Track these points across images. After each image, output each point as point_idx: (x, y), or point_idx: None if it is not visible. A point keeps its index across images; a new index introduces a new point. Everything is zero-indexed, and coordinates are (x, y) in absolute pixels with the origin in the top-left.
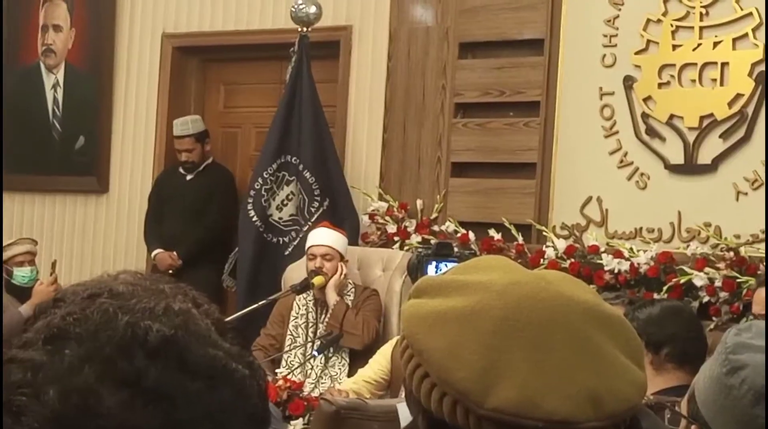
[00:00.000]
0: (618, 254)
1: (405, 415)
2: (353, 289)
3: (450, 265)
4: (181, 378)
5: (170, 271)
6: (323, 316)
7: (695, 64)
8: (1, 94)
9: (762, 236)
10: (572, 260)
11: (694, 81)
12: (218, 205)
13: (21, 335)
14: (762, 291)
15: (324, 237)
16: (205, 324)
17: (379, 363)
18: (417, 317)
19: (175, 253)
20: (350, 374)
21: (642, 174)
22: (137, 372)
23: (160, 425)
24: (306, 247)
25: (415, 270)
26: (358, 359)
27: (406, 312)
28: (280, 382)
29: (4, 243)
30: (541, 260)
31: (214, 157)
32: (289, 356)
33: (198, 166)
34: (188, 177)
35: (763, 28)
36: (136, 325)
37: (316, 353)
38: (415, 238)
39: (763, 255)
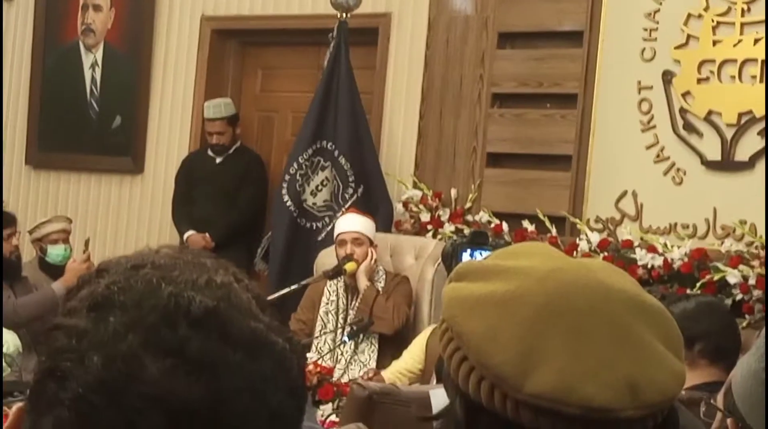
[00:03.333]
0: (652, 249)
1: (438, 401)
2: (384, 276)
3: (485, 253)
4: (223, 348)
5: None
6: (354, 302)
7: (735, 60)
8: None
9: None
10: (605, 254)
11: (733, 77)
12: (250, 188)
13: (65, 303)
14: None
15: (352, 223)
16: (246, 297)
17: (413, 353)
18: (457, 300)
19: (207, 235)
20: (379, 360)
21: (678, 169)
22: (180, 341)
23: (201, 394)
24: (335, 234)
25: (450, 258)
26: (387, 346)
27: (446, 295)
28: (311, 367)
29: (40, 220)
30: (575, 253)
31: (242, 141)
32: (319, 342)
33: (228, 149)
34: (218, 160)
35: None
36: (180, 295)
37: (346, 339)
38: (449, 228)
39: None
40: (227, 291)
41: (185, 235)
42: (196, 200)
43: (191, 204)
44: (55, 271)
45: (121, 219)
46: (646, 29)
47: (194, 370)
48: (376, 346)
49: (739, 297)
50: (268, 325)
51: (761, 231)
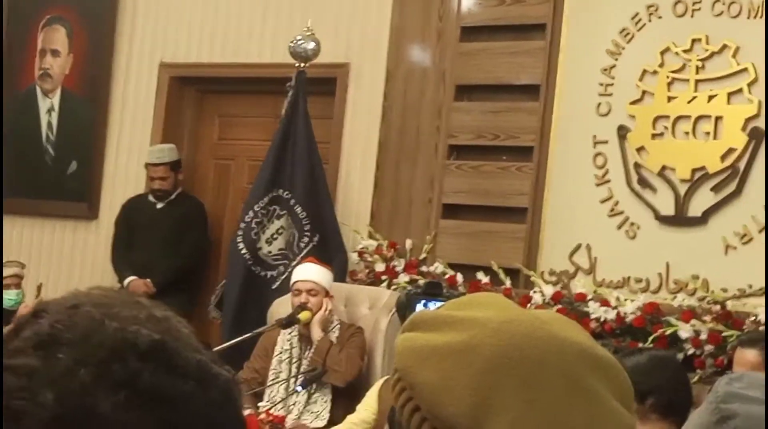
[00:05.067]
0: (605, 303)
1: None
2: (339, 326)
3: (439, 304)
4: (173, 379)
5: None
6: (307, 351)
7: (689, 116)
8: (0, 116)
9: (749, 291)
10: (559, 307)
11: (687, 133)
12: (192, 234)
13: (7, 346)
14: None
15: (309, 272)
16: (186, 331)
17: (367, 404)
18: (410, 350)
19: (149, 280)
20: (332, 411)
21: (632, 224)
22: (132, 374)
23: (156, 425)
24: (291, 282)
25: (404, 308)
26: (340, 396)
27: (399, 345)
28: (263, 416)
29: None
30: (528, 305)
31: (192, 188)
32: (271, 391)
33: (169, 194)
34: (159, 205)
35: (758, 84)
36: (125, 330)
37: (299, 388)
38: (403, 278)
39: (751, 310)
40: (168, 325)
41: (126, 281)
42: (136, 245)
43: (131, 249)
44: (6, 315)
45: (74, 265)
46: (601, 84)
47: (148, 402)
48: (330, 396)
49: (690, 351)
50: (209, 357)
51: (713, 286)
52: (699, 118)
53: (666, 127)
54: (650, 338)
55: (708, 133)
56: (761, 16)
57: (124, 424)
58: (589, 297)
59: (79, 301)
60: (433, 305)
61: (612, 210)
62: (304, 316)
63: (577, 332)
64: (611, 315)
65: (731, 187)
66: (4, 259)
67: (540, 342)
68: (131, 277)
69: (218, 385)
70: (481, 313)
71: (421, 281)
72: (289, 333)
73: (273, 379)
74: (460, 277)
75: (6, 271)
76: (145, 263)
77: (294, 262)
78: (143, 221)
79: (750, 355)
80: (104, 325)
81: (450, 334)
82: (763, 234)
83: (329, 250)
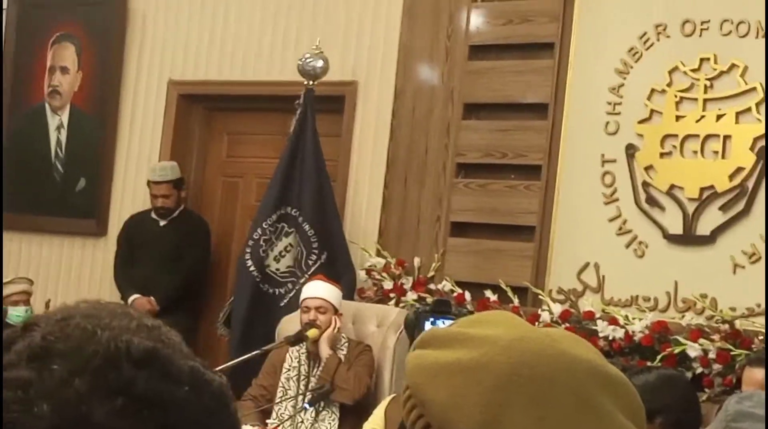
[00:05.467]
0: (613, 321)
1: None
2: (347, 344)
3: (447, 322)
4: (168, 385)
5: None
6: (315, 369)
7: (698, 135)
8: (0, 134)
9: (758, 310)
10: (567, 325)
11: (695, 152)
12: (195, 252)
13: None
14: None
15: (318, 290)
16: (177, 339)
17: (374, 423)
18: (421, 368)
19: (152, 298)
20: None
21: (640, 242)
22: (126, 381)
23: None
24: (300, 300)
25: (413, 326)
26: (348, 414)
27: (410, 362)
28: None
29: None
30: (536, 324)
31: (199, 206)
32: (279, 408)
33: (172, 212)
34: (162, 223)
35: (765, 103)
36: (118, 339)
37: (307, 406)
38: (411, 296)
39: (759, 329)
40: (159, 333)
41: (130, 299)
42: (138, 262)
43: (133, 266)
44: None
45: (83, 281)
46: (610, 103)
47: (144, 408)
48: (337, 414)
49: (699, 370)
50: (201, 363)
51: (722, 305)
52: (707, 137)
53: (674, 146)
54: (658, 357)
55: (716, 153)
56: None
57: None
58: (597, 315)
59: (69, 314)
60: (441, 323)
61: (620, 228)
62: (312, 333)
63: (587, 350)
64: (619, 333)
65: (739, 206)
66: (12, 276)
67: (550, 360)
68: (135, 295)
69: (212, 390)
70: (491, 330)
71: (430, 299)
72: (298, 350)
73: (281, 397)
74: (468, 295)
75: (14, 288)
76: (146, 280)
77: (302, 280)
78: (146, 239)
79: (758, 374)
80: (96, 335)
81: (460, 352)
82: None
83: (337, 267)
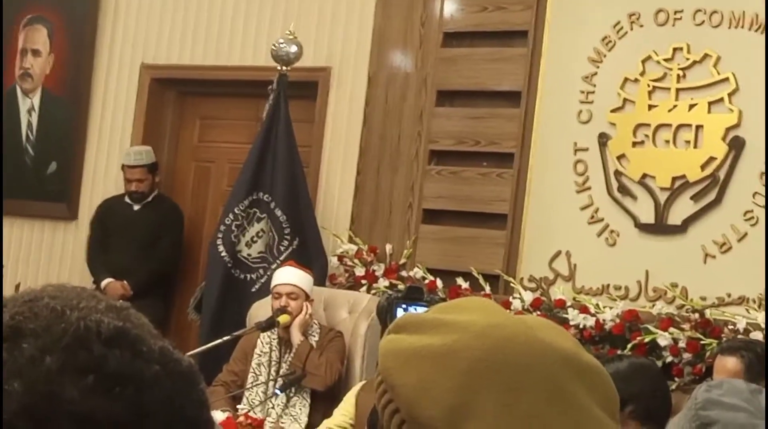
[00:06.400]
0: (584, 309)
1: None
2: (318, 330)
3: (420, 309)
4: (138, 363)
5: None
6: (287, 355)
7: (670, 125)
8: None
9: (728, 300)
10: (538, 313)
11: (668, 142)
12: (169, 237)
13: None
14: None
15: (290, 276)
16: (145, 320)
17: (343, 409)
18: (393, 352)
19: (125, 282)
20: (311, 415)
21: (612, 231)
22: (97, 359)
23: (125, 409)
24: (271, 286)
25: (385, 312)
26: (319, 400)
27: (383, 347)
28: (241, 419)
29: None
30: (508, 312)
31: (166, 190)
32: (250, 394)
33: (146, 196)
34: (135, 207)
35: (738, 94)
36: (87, 318)
37: (278, 392)
38: (383, 283)
39: (729, 318)
40: (128, 313)
41: (103, 283)
42: (112, 247)
43: (107, 251)
44: None
45: (53, 265)
46: (583, 92)
47: (115, 386)
48: (308, 400)
49: (669, 359)
50: (170, 344)
51: (692, 294)
52: (679, 126)
53: (647, 136)
54: (629, 346)
55: (688, 142)
56: (742, 26)
57: (92, 409)
58: (568, 304)
59: (37, 296)
60: (414, 310)
61: (592, 217)
62: (283, 319)
63: (563, 338)
64: (590, 322)
65: (711, 195)
66: None
67: (523, 347)
68: (108, 280)
69: (181, 369)
70: (466, 316)
71: (401, 286)
72: (269, 336)
73: (252, 382)
74: (439, 283)
75: None
76: (120, 265)
77: (274, 265)
78: (119, 223)
79: (730, 362)
80: (66, 315)
81: (434, 337)
82: (743, 243)
83: (309, 253)
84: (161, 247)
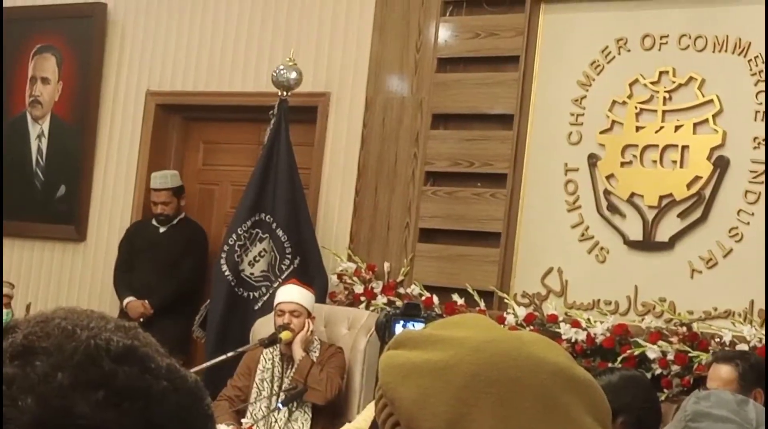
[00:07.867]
0: (576, 324)
1: None
2: (319, 346)
3: (417, 325)
4: (147, 380)
5: (141, 320)
6: (288, 370)
7: (657, 145)
8: (1, 139)
9: (714, 313)
10: (531, 328)
11: (655, 162)
12: (192, 258)
13: None
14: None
15: (292, 294)
16: (153, 339)
17: (366, 416)
18: (392, 367)
19: (147, 302)
20: (312, 428)
21: (602, 248)
22: (107, 375)
23: (134, 423)
24: (275, 303)
25: (383, 328)
26: (320, 414)
27: (383, 362)
28: None
29: None
30: (502, 327)
31: (186, 213)
32: (253, 408)
33: (172, 219)
34: (161, 229)
35: (722, 115)
36: (97, 337)
37: (280, 406)
38: (381, 299)
39: (716, 331)
40: (136, 332)
41: (125, 301)
42: (137, 268)
43: (132, 271)
44: None
45: (62, 285)
46: (573, 114)
47: (125, 401)
48: (309, 414)
49: (658, 371)
50: (176, 362)
51: (680, 308)
52: (666, 147)
53: (635, 156)
54: (619, 359)
55: (675, 162)
56: (726, 50)
57: (102, 423)
58: (560, 318)
59: (48, 317)
60: (411, 326)
61: (582, 235)
62: (285, 335)
63: (556, 353)
64: (582, 336)
65: (697, 213)
66: None
67: (517, 362)
68: (130, 298)
69: (188, 385)
70: (463, 332)
71: (399, 303)
72: (272, 352)
73: (255, 397)
74: (436, 299)
75: None
76: (144, 285)
77: (276, 284)
78: (145, 244)
79: (724, 370)
80: (77, 334)
81: (432, 353)
82: (728, 259)
83: (310, 272)
84: (184, 268)
